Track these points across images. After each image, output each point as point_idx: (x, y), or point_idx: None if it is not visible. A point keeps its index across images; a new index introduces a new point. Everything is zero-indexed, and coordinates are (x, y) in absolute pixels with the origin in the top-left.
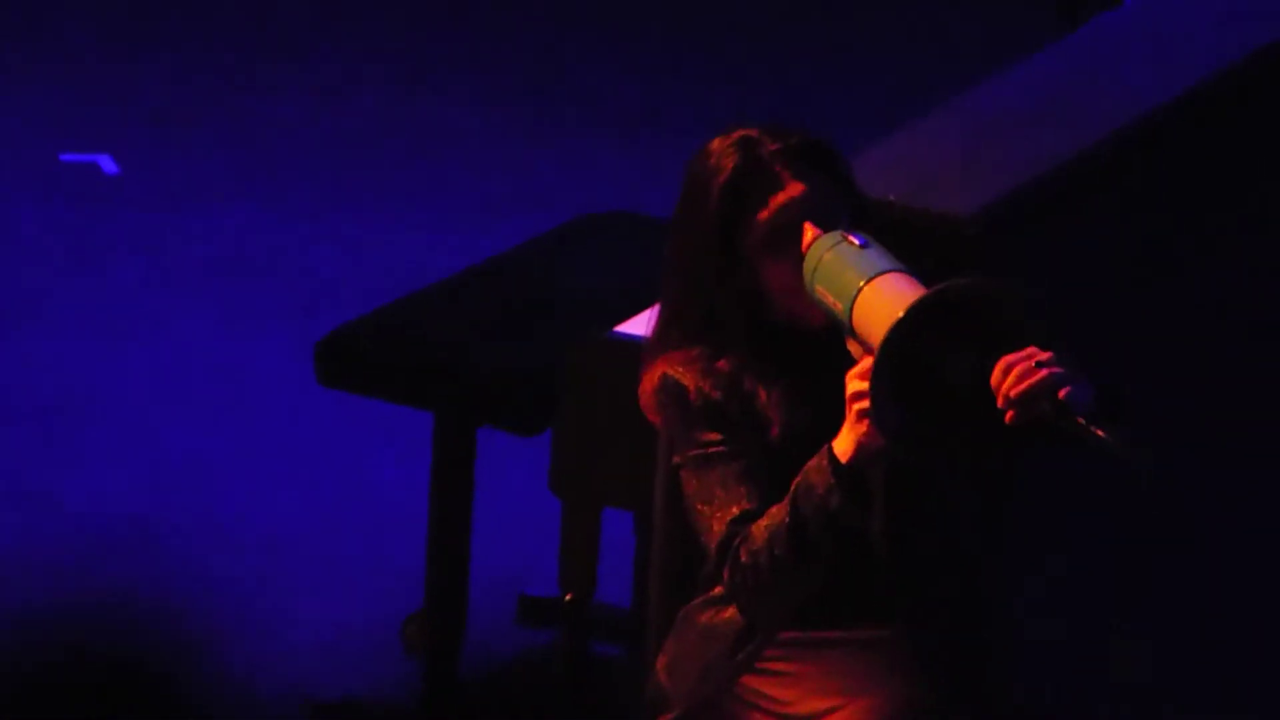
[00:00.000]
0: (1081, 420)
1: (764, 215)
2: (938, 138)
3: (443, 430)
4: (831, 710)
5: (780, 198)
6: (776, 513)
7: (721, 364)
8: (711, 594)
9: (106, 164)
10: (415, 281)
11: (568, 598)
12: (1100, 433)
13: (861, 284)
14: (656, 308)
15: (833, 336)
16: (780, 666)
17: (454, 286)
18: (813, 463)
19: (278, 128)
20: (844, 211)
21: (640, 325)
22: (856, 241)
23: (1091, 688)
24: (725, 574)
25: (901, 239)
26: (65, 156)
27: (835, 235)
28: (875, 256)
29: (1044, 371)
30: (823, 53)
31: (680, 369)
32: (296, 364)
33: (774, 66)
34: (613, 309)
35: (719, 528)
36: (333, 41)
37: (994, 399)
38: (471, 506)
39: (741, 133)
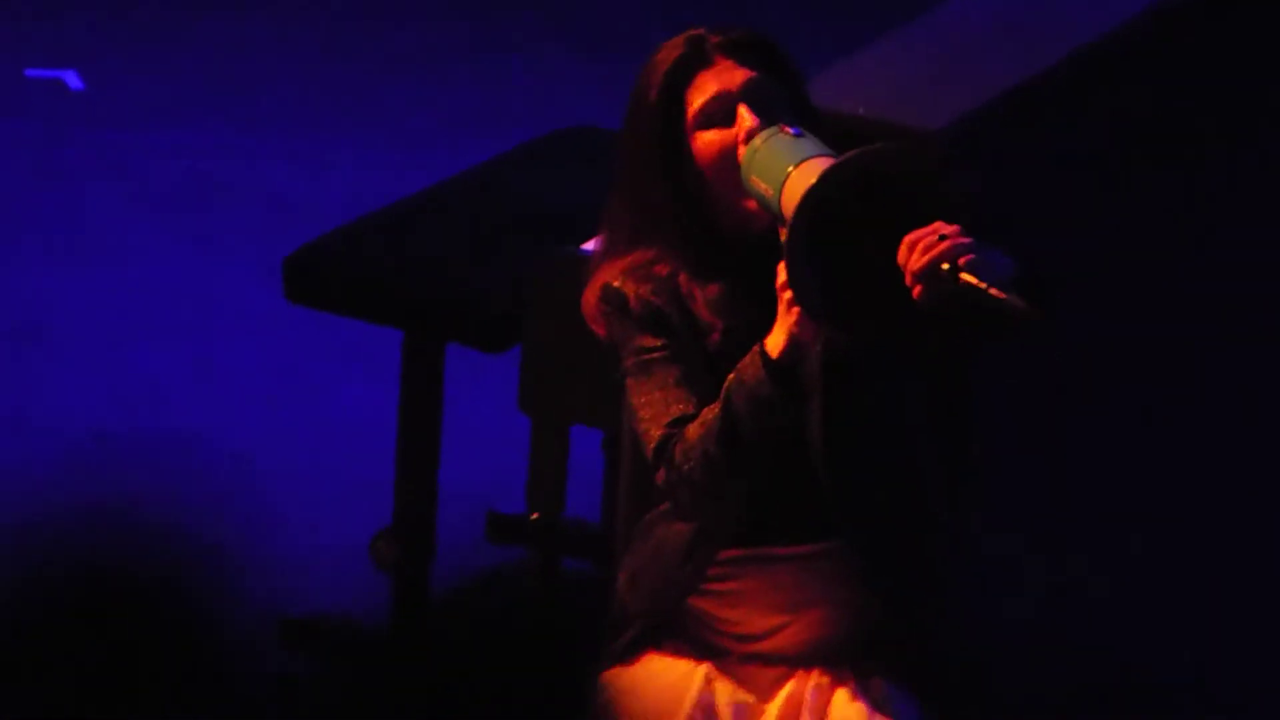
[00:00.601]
0: (982, 284)
1: (702, 100)
2: (906, 54)
3: (411, 347)
4: (779, 628)
5: (718, 83)
6: (710, 411)
7: (662, 269)
8: (665, 507)
9: (72, 80)
10: (384, 202)
11: (534, 516)
12: (999, 294)
13: (790, 168)
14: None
15: (775, 241)
16: (725, 586)
17: (422, 203)
18: (746, 359)
19: (244, 47)
20: (785, 104)
21: None
22: (791, 131)
23: (1046, 605)
24: (661, 475)
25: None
26: (30, 72)
27: (772, 128)
28: (808, 144)
29: (947, 243)
30: None
31: (620, 277)
32: (265, 284)
33: None
34: (581, 225)
35: (657, 431)
36: None
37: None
38: (440, 423)
39: (691, 31)
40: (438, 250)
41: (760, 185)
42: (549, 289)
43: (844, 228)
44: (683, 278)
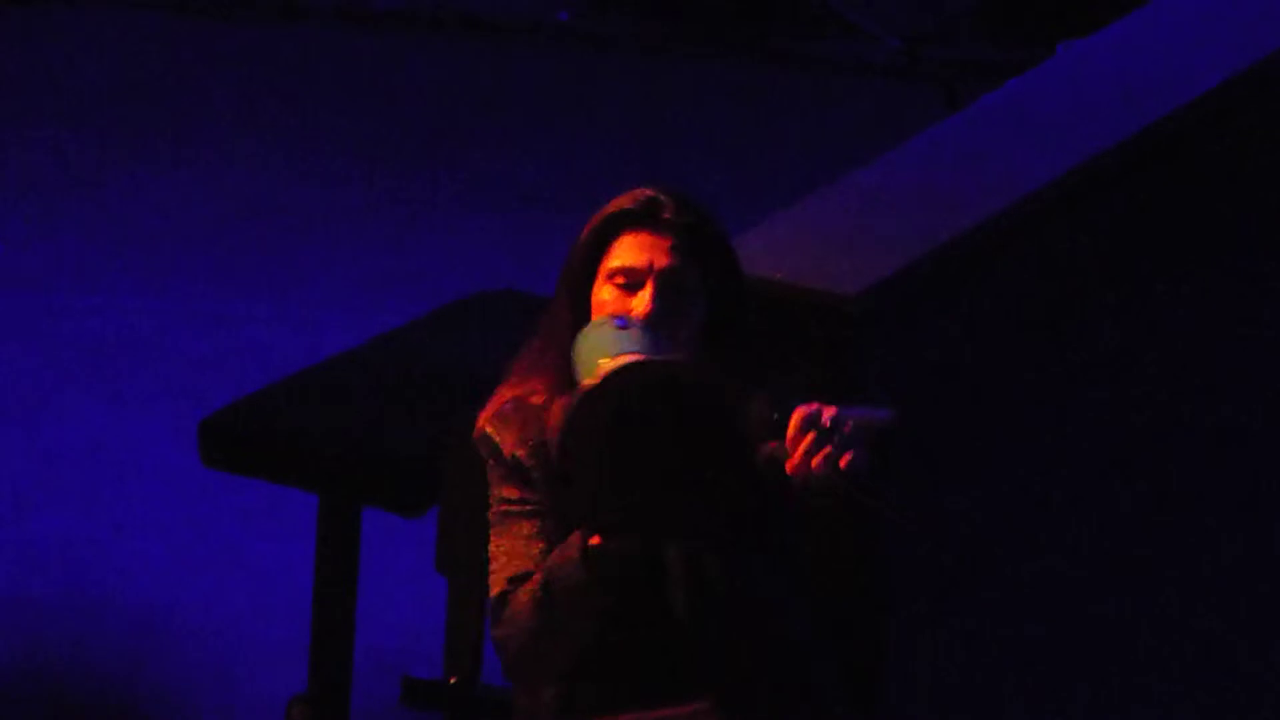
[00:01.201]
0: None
1: (622, 259)
2: (824, 216)
3: (327, 511)
4: None
5: (647, 255)
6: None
7: (539, 398)
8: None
9: None
10: (300, 362)
11: (451, 680)
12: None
13: (602, 361)
14: None
15: None
16: None
17: (339, 365)
18: (572, 536)
19: (157, 208)
20: (699, 303)
21: None
22: (616, 324)
23: None
24: (494, 631)
25: (786, 317)
26: None
27: (604, 317)
28: (625, 338)
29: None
30: (711, 135)
31: (494, 424)
32: (178, 445)
33: (662, 147)
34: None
35: (498, 586)
36: (211, 119)
37: (723, 464)
38: (356, 587)
39: (654, 190)
40: (354, 414)
41: (582, 377)
42: (467, 450)
43: (642, 431)
44: (546, 421)
